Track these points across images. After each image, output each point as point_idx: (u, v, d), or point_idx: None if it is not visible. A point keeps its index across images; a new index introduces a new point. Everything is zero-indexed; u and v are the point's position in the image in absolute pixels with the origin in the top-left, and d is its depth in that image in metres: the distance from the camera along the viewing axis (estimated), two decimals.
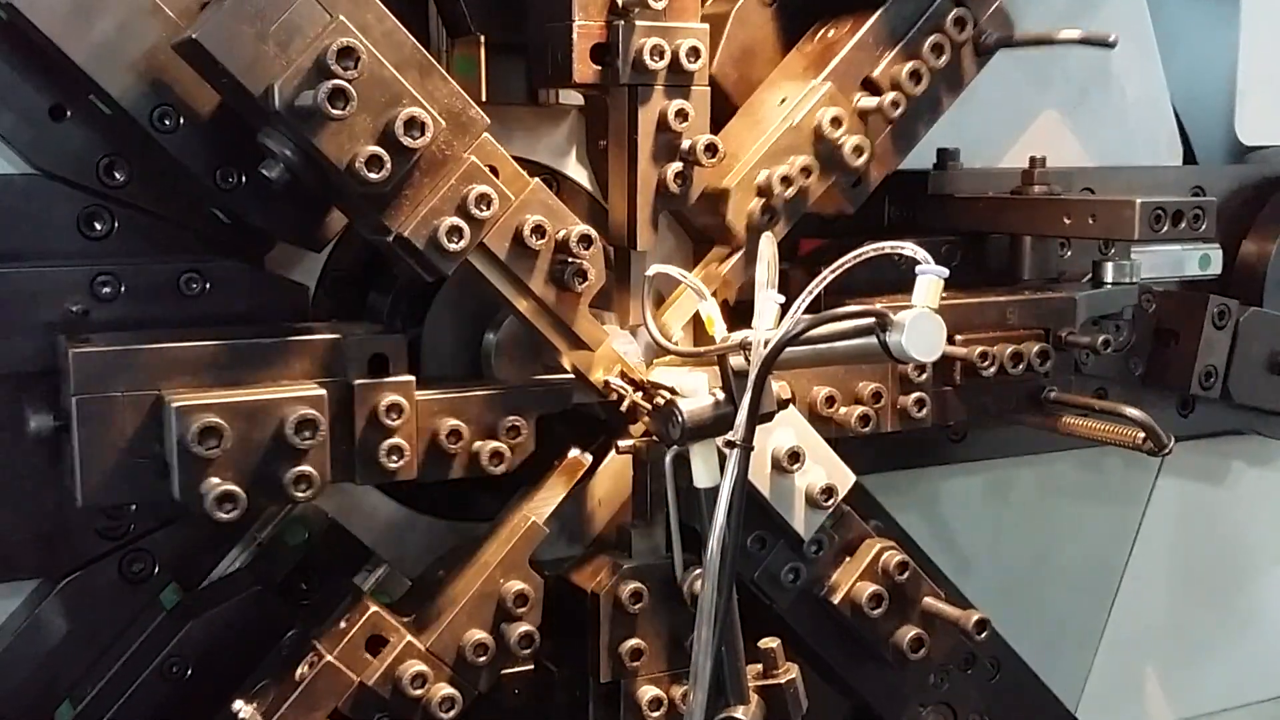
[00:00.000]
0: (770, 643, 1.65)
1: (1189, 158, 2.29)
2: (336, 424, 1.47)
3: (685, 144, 1.60)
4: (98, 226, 1.57)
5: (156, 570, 1.67)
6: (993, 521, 2.26)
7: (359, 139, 1.38)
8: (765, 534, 1.72)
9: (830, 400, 1.74)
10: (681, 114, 1.59)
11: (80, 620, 1.64)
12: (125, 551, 1.65)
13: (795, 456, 1.65)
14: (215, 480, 1.38)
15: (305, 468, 1.43)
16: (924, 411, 1.79)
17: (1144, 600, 2.42)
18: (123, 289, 1.55)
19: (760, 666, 1.64)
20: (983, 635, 1.77)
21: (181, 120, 1.50)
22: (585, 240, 1.54)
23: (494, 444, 1.56)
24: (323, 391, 1.45)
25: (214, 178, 1.53)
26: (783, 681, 1.64)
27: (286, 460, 1.43)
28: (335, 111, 1.35)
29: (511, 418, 1.57)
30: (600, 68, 1.58)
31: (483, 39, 1.69)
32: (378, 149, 1.38)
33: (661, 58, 1.57)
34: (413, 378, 1.51)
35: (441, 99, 1.44)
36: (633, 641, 1.64)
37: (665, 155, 1.61)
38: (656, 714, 1.66)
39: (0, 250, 1.53)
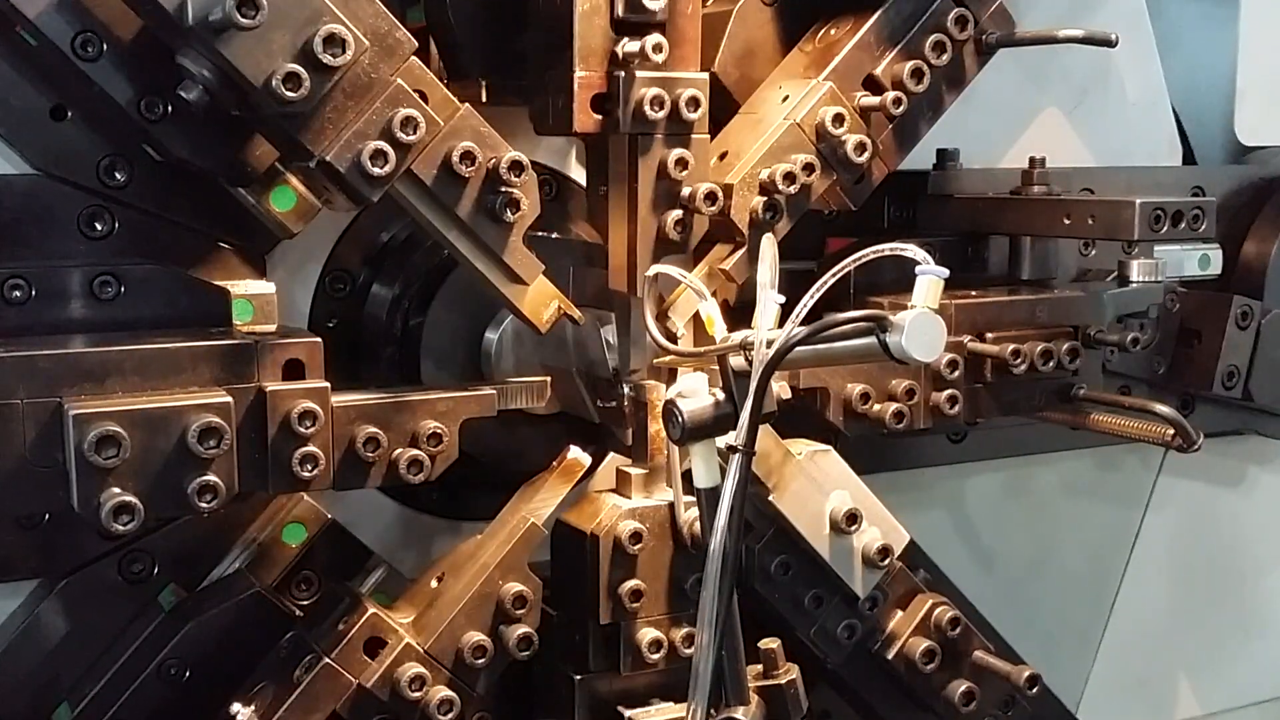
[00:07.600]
0: (770, 643, 1.65)
1: (1188, 158, 2.29)
2: (246, 432, 1.42)
3: (685, 191, 1.59)
4: (98, 226, 1.57)
5: (156, 571, 1.67)
6: (992, 522, 2.26)
7: (276, 56, 1.34)
8: (821, 592, 1.73)
9: (865, 397, 1.74)
10: (681, 162, 1.58)
11: (79, 621, 1.63)
12: (125, 552, 1.65)
13: (853, 518, 1.67)
14: (115, 490, 1.33)
15: (210, 477, 1.37)
16: (956, 409, 1.78)
17: (1144, 600, 2.42)
18: (33, 292, 1.51)
19: (760, 667, 1.64)
20: (1034, 690, 1.79)
21: (105, 47, 1.47)
22: (517, 167, 1.50)
23: (414, 452, 1.51)
24: (228, 398, 1.39)
25: (139, 108, 1.50)
26: (783, 682, 1.64)
27: (190, 470, 1.37)
28: (245, 20, 1.30)
29: (433, 424, 1.52)
30: (601, 117, 1.56)
31: (484, 84, 1.68)
32: (295, 67, 1.34)
33: (662, 108, 1.56)
34: (327, 384, 1.46)
35: (366, 19, 1.40)
36: (632, 583, 1.62)
37: (665, 203, 1.60)
38: (656, 655, 1.64)
39: (3, 250, 1.53)
